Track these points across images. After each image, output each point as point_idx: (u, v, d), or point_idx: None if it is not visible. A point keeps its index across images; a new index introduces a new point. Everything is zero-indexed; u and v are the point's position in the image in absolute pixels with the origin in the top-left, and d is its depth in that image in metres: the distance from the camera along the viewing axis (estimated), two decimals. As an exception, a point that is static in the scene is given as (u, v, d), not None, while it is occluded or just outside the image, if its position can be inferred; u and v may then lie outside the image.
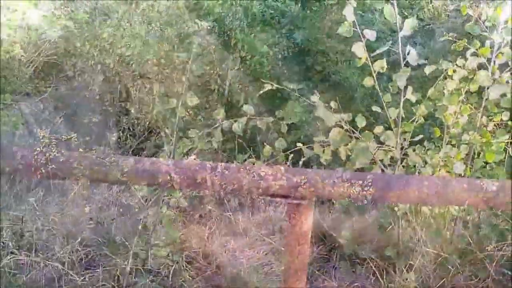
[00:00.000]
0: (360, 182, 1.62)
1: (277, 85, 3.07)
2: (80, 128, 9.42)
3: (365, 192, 1.60)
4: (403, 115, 3.18)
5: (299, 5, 14.74)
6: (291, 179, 1.64)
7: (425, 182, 1.62)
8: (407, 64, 2.76)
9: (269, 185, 1.60)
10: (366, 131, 2.97)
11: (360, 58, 3.07)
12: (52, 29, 5.90)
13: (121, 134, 10.39)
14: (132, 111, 9.90)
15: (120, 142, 10.58)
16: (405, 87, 2.89)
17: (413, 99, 3.07)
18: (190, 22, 12.55)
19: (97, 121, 9.96)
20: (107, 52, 9.63)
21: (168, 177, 1.54)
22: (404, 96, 2.96)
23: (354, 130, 2.99)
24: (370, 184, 1.60)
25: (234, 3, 14.82)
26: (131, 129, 10.08)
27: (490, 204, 1.60)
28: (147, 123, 10.03)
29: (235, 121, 3.04)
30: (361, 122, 2.96)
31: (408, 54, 2.77)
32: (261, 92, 3.10)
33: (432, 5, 14.91)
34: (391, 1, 2.71)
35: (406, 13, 14.39)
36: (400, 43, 2.82)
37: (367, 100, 13.79)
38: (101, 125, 10.24)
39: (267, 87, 3.03)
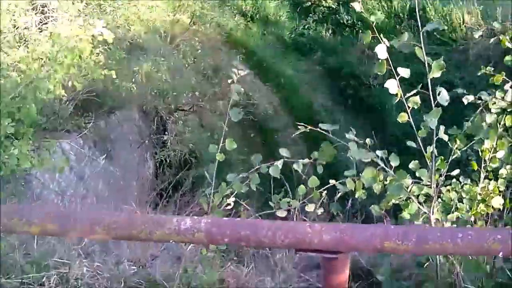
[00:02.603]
0: (395, 237, 1.64)
1: (311, 127, 3.10)
2: (118, 162, 9.66)
3: (401, 247, 1.62)
4: (438, 151, 3.17)
5: (330, 31, 14.91)
6: (327, 235, 1.67)
7: (459, 234, 1.62)
8: (438, 105, 2.77)
9: (307, 241, 1.64)
10: (400, 170, 2.98)
11: (395, 95, 3.09)
12: (94, 74, 6.12)
13: (157, 166, 10.63)
14: (169, 143, 10.11)
15: (157, 174, 10.82)
16: (438, 126, 2.89)
17: (445, 138, 3.07)
18: (225, 55, 12.87)
19: (135, 155, 10.22)
20: (144, 87, 9.91)
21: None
22: (436, 135, 2.96)
23: (388, 168, 2.99)
24: (405, 238, 1.62)
25: (266, 32, 15.14)
26: (168, 161, 10.28)
27: (527, 254, 1.60)
28: (184, 155, 10.22)
29: (272, 164, 3.09)
30: (395, 161, 2.97)
31: (439, 94, 2.78)
32: (296, 134, 3.14)
33: (465, 25, 14.78)
34: (419, 46, 2.74)
35: (437, 35, 14.29)
36: (429, 85, 2.83)
37: (401, 124, 13.68)
38: (139, 158, 10.50)
39: (301, 129, 3.08)
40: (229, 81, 3.21)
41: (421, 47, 2.72)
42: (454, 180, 3.39)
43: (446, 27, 3.21)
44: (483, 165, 3.44)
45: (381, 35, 3.05)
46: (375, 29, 3.01)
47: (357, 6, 2.94)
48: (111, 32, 6.64)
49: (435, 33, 14.57)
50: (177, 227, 1.69)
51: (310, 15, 15.51)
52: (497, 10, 14.06)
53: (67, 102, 8.36)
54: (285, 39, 15.18)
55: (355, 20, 14.70)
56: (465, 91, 3.24)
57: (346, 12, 14.95)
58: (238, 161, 10.88)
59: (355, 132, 3.28)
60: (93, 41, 7.10)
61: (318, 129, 3.01)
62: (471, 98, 3.23)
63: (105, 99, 9.38)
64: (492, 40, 3.64)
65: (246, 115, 11.43)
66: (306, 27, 15.37)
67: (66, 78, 7.74)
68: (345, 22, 14.99)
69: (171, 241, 1.71)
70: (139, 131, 10.77)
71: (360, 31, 14.46)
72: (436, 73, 2.81)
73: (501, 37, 3.48)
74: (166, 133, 10.30)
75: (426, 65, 2.79)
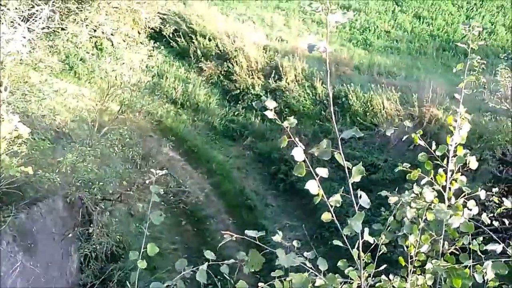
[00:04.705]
0: None
1: (237, 235, 3.02)
2: (40, 258, 9.08)
3: None
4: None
5: (259, 118, 15.28)
6: None
7: None
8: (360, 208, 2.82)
9: None
10: (330, 274, 2.94)
11: (316, 195, 3.12)
12: (10, 171, 5.85)
13: (82, 260, 10.03)
14: (94, 236, 9.66)
15: (82, 268, 10.19)
16: (362, 230, 2.92)
17: (371, 240, 3.10)
18: (154, 142, 12.81)
19: (58, 249, 9.64)
20: (69, 177, 9.57)
21: None
22: (362, 238, 2.97)
23: (317, 272, 2.94)
24: None
25: (196, 119, 15.30)
26: (93, 255, 9.77)
27: None
28: (111, 247, 9.76)
29: (197, 269, 2.95)
30: (323, 265, 2.94)
31: (360, 197, 2.84)
32: (221, 243, 3.03)
33: (385, 110, 15.62)
34: (339, 151, 2.81)
35: (360, 120, 14.98)
36: (351, 189, 2.88)
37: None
38: (63, 253, 9.89)
39: (227, 238, 2.99)
40: (147, 181, 3.12)
41: (340, 153, 2.79)
42: (383, 276, 3.39)
43: (362, 134, 3.37)
44: (409, 260, 3.47)
45: (297, 138, 3.13)
46: (289, 133, 3.10)
47: (269, 114, 3.03)
48: (30, 125, 6.51)
49: (358, 117, 15.29)
50: None
51: (240, 102, 15.98)
52: (413, 96, 15.04)
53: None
54: (216, 126, 15.40)
55: (282, 107, 15.22)
56: (388, 193, 3.33)
57: (274, 100, 15.43)
58: (169, 252, 10.57)
59: (281, 235, 3.25)
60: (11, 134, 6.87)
61: (245, 237, 2.93)
62: (394, 199, 3.32)
63: (27, 191, 8.95)
64: (404, 137, 3.81)
65: (177, 203, 11.26)
66: (235, 113, 15.73)
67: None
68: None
69: None
70: (63, 223, 10.25)
71: (287, 116, 14.92)
72: (356, 178, 2.87)
73: (413, 135, 3.65)
74: (91, 224, 9.86)
75: (346, 169, 2.85)
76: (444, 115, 14.78)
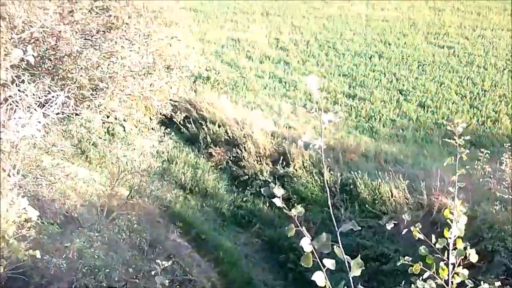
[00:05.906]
0: None
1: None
2: None
3: None
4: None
5: (267, 204, 15.24)
6: None
7: None
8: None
9: None
10: None
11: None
12: (17, 254, 5.83)
13: None
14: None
15: None
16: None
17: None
18: (162, 228, 12.76)
19: None
20: (75, 263, 9.48)
21: None
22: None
23: None
24: None
25: (204, 204, 15.31)
26: None
27: None
28: None
29: None
30: None
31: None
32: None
33: (394, 199, 15.55)
34: (337, 245, 2.84)
35: (369, 208, 14.88)
36: (351, 283, 2.88)
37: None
38: None
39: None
40: (153, 272, 3.12)
41: (339, 246, 2.82)
42: None
43: (359, 228, 3.34)
44: None
45: (306, 225, 3.16)
46: (297, 222, 3.14)
47: (277, 202, 3.09)
48: (39, 208, 6.52)
49: (366, 205, 15.19)
50: None
51: (248, 188, 16.01)
52: (421, 184, 14.99)
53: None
54: (224, 212, 15.35)
55: (290, 194, 15.22)
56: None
57: (282, 186, 15.50)
58: None
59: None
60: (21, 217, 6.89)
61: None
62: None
63: (32, 276, 8.85)
64: (404, 231, 3.83)
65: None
66: (244, 199, 15.72)
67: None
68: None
69: None
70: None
71: (295, 203, 14.91)
72: (356, 272, 2.87)
73: (412, 229, 3.67)
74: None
75: (346, 263, 2.86)
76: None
